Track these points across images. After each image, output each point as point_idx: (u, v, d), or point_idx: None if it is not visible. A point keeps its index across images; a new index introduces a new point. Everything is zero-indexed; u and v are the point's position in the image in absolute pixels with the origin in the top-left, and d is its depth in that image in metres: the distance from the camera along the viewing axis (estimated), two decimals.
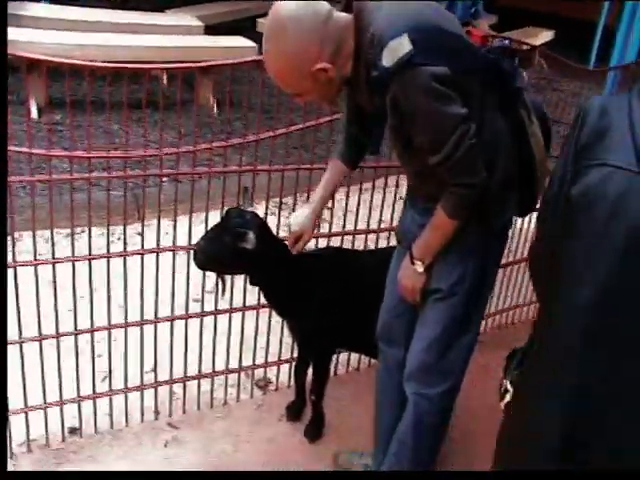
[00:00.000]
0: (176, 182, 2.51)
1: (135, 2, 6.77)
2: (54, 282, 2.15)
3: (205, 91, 5.10)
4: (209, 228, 2.16)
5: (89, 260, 2.20)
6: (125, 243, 2.28)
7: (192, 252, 2.18)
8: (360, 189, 2.70)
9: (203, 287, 2.43)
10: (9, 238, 2.18)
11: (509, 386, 1.35)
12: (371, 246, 2.73)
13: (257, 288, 2.33)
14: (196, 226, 2.35)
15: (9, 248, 2.12)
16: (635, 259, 1.02)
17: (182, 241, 2.38)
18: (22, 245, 3.09)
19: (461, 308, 1.84)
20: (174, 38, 5.44)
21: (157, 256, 2.31)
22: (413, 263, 1.81)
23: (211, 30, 6.21)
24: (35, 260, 2.13)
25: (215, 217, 2.24)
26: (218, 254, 2.13)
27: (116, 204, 2.29)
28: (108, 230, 2.23)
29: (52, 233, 2.16)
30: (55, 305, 2.19)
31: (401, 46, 1.49)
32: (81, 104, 2.23)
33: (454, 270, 1.81)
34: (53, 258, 2.16)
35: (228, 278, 2.28)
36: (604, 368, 1.07)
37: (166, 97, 2.43)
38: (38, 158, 2.16)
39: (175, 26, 5.92)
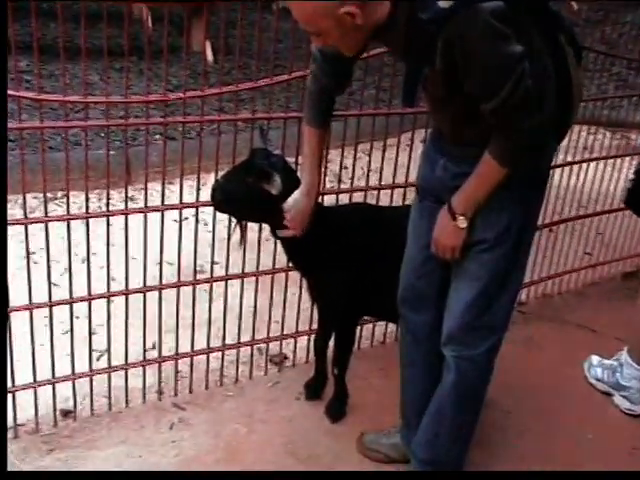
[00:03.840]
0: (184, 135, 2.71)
1: None
2: (47, 246, 2.33)
3: (197, 36, 5.23)
4: (232, 167, 2.32)
5: (87, 219, 2.39)
6: (127, 201, 2.47)
7: (211, 193, 2.33)
8: (384, 146, 2.87)
9: (212, 253, 2.61)
10: None
11: None
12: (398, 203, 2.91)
13: (273, 248, 2.52)
14: (204, 185, 2.55)
15: None
16: None
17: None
18: None
19: (506, 259, 2.00)
20: None
21: (162, 215, 2.46)
22: (455, 218, 1.95)
23: None
24: (26, 218, 2.30)
25: None
26: (238, 195, 2.29)
27: (104, 164, 2.43)
28: (108, 184, 2.41)
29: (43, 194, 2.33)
30: (48, 271, 2.37)
31: None
32: (50, 49, 2.35)
33: (501, 218, 1.95)
34: (46, 215, 2.34)
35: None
36: None
37: (152, 43, 2.60)
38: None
39: None
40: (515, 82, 1.70)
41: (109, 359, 2.61)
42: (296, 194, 2.28)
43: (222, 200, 2.34)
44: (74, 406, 2.59)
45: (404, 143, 2.86)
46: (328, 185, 2.94)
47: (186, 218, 2.68)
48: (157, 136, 4.12)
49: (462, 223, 1.95)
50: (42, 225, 2.32)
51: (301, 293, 2.80)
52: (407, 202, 2.66)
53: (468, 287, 2.05)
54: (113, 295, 2.53)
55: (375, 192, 2.89)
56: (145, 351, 2.68)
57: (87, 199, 2.40)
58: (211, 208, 2.44)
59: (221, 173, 2.40)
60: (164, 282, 2.60)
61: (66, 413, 2.60)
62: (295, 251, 2.46)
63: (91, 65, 3.75)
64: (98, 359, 2.69)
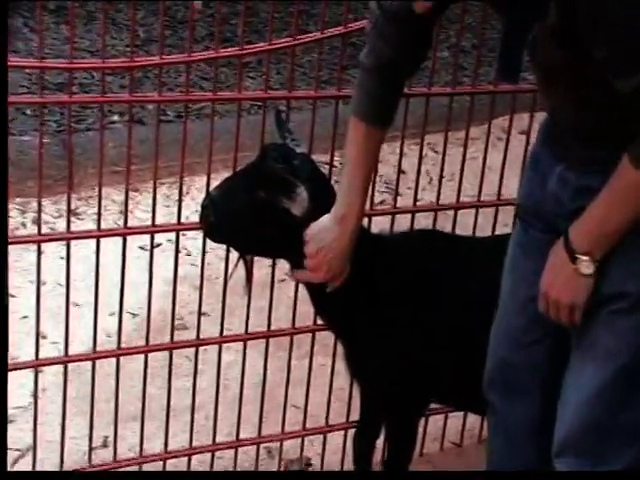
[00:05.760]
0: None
1: None
2: None
3: None
4: (232, 174, 2.33)
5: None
6: (69, 218, 2.38)
7: (200, 212, 2.30)
8: (466, 140, 2.79)
9: (200, 300, 2.55)
10: None
11: None
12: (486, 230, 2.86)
13: (294, 294, 2.55)
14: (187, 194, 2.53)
15: None
16: None
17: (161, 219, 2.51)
18: None
19: None
20: None
21: (124, 240, 2.40)
22: (575, 260, 1.86)
23: None
24: None
25: None
26: (242, 216, 2.25)
27: (33, 158, 2.44)
28: (40, 190, 2.29)
29: None
30: None
31: None
32: None
33: None
34: None
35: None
36: None
37: None
38: None
39: None
40: None
41: (34, 463, 2.54)
42: (325, 219, 2.23)
43: (217, 223, 2.30)
44: None
45: (496, 135, 2.78)
46: (378, 199, 2.91)
47: (159, 245, 2.62)
48: (115, 117, 4.19)
49: (586, 268, 1.87)
50: None
51: (334, 364, 2.72)
52: (502, 230, 2.65)
53: (595, 367, 1.95)
54: (43, 364, 2.50)
55: (450, 212, 2.82)
56: (91, 450, 2.59)
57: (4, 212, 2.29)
58: (199, 232, 2.43)
59: (215, 181, 2.37)
60: (124, 344, 2.57)
61: None
62: (326, 301, 2.39)
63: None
64: (15, 462, 2.67)
